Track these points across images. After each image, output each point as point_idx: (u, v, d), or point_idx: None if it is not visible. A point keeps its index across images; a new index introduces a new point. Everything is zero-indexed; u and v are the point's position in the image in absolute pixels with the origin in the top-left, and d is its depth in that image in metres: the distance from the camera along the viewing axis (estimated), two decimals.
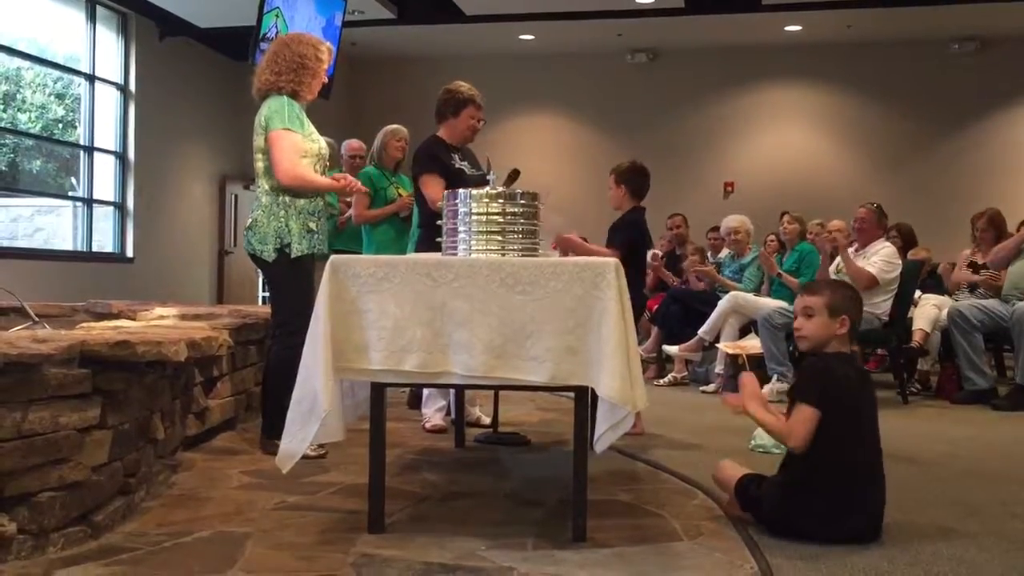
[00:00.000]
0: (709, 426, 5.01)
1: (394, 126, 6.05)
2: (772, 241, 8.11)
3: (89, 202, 9.28)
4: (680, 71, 11.97)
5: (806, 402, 2.89)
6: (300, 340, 2.99)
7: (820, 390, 2.91)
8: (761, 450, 4.18)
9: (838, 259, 6.46)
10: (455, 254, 3.11)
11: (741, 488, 3.06)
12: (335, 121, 9.41)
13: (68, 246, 9.24)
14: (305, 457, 3.29)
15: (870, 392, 3.04)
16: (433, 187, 4.45)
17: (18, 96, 8.96)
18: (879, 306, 6.04)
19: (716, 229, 8.42)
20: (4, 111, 8.67)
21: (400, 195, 5.81)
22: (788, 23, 10.78)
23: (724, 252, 8.06)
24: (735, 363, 6.43)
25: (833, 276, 6.21)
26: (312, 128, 4.14)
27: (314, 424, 2.88)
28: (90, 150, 9.29)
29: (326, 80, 4.25)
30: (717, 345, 6.70)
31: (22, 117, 9.02)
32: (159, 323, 4.23)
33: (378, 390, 2.95)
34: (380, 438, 2.93)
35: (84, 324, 4.00)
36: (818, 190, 11.23)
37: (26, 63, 8.82)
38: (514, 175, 3.90)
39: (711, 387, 6.63)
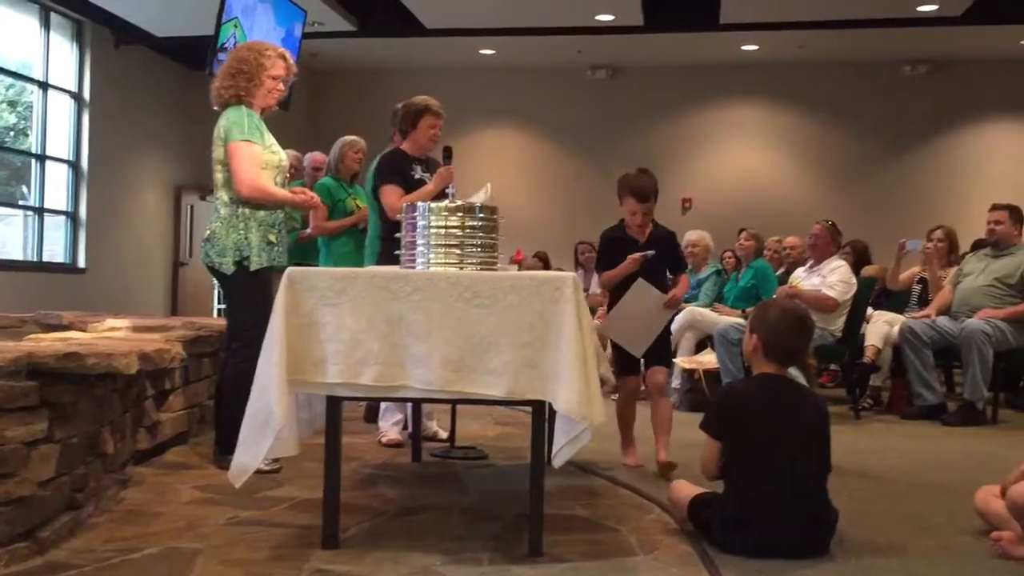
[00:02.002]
0: None
1: (351, 137, 6.00)
2: (729, 257, 8.20)
3: (40, 211, 9.11)
4: (639, 88, 12.08)
5: (706, 431, 3.03)
6: (256, 354, 2.95)
7: (717, 420, 3.02)
8: None
9: (792, 277, 6.55)
10: (413, 267, 3.10)
11: (693, 509, 3.09)
12: (294, 132, 9.34)
13: (18, 255, 9.04)
14: (258, 472, 3.24)
15: (794, 407, 2.98)
16: (392, 197, 4.44)
17: None
18: (832, 322, 6.12)
19: None
20: None
21: (358, 207, 5.78)
22: (745, 42, 10.94)
23: None
24: (691, 378, 6.48)
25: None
26: (272, 139, 4.11)
27: (268, 438, 2.85)
28: (42, 158, 9.12)
29: (282, 88, 4.20)
30: (674, 360, 6.73)
31: None
32: (110, 335, 4.16)
33: (334, 404, 2.93)
34: (335, 452, 2.91)
35: (33, 336, 3.92)
36: (775, 207, 11.38)
37: None
38: (447, 152, 3.99)
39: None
